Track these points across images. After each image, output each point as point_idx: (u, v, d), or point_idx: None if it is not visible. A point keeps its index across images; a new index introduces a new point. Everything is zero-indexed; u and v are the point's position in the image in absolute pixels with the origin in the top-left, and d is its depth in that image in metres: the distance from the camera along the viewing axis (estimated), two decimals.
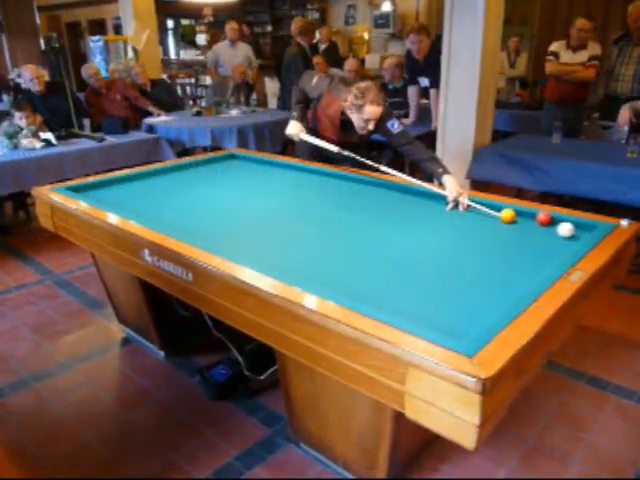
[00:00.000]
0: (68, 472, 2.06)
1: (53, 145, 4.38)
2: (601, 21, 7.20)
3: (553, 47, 4.83)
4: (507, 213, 2.20)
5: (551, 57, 4.81)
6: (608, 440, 2.17)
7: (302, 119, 3.22)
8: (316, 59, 6.27)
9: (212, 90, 6.56)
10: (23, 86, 5.44)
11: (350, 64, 5.84)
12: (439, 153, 4.18)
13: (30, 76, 4.93)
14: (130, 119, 5.33)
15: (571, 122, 4.76)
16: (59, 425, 2.31)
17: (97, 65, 6.75)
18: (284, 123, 5.46)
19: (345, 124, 3.01)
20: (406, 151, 2.87)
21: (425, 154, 2.78)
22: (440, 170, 2.61)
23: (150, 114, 5.64)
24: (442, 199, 2.46)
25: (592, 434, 2.20)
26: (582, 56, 4.68)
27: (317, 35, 7.12)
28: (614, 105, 4.50)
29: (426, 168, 2.75)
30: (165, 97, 6.24)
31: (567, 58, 4.75)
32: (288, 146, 5.72)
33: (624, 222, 2.04)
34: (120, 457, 2.12)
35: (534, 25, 8.12)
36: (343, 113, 2.96)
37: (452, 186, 2.44)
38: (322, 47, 7.23)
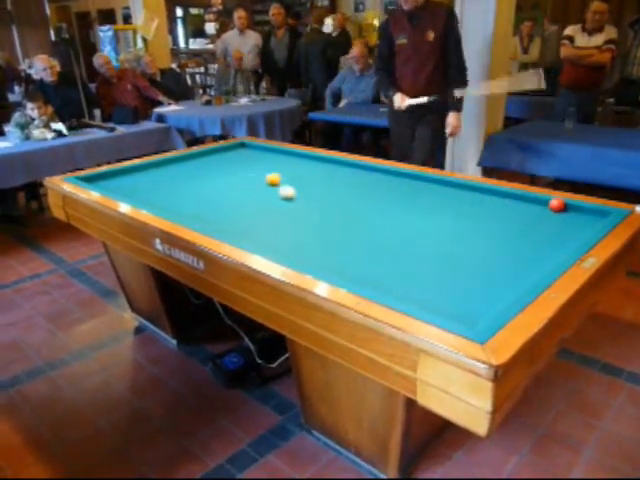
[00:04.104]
0: (81, 458, 2.09)
1: (64, 135, 4.40)
2: (617, 4, 7.07)
3: (568, 31, 4.76)
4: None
5: (566, 41, 4.74)
6: (621, 427, 2.16)
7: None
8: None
9: (217, 79, 6.55)
10: (35, 77, 5.47)
11: (355, 49, 5.68)
12: (450, 140, 4.15)
13: (43, 66, 4.96)
14: (140, 109, 5.34)
15: (585, 107, 4.70)
16: (73, 412, 2.34)
17: (107, 55, 6.76)
18: (294, 111, 5.52)
19: (413, 21, 3.38)
20: (448, 66, 3.40)
21: (455, 83, 3.35)
22: (451, 105, 3.40)
23: (160, 103, 5.65)
24: (453, 185, 2.45)
25: (605, 421, 2.19)
26: (597, 40, 4.60)
27: (330, 22, 7.06)
28: (630, 89, 4.43)
29: (449, 92, 3.37)
30: (174, 86, 6.24)
31: (582, 42, 4.67)
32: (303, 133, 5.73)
33: (638, 208, 2.02)
34: (134, 443, 2.15)
35: (547, 9, 8.00)
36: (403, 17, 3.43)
37: (449, 124, 3.46)
38: (334, 34, 7.17)
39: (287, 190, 2.37)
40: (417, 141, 3.65)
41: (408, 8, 3.37)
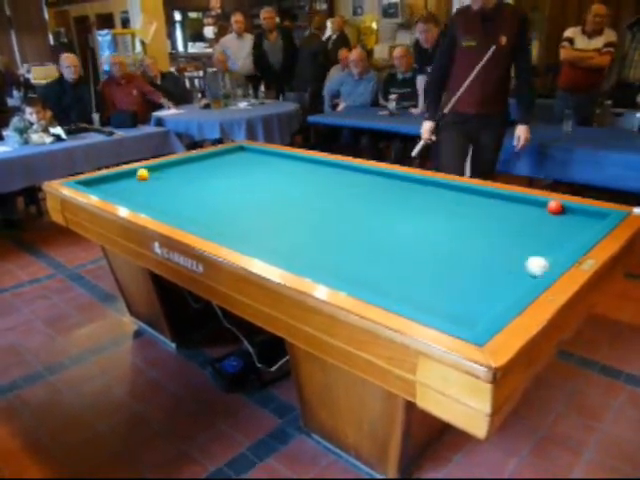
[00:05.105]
0: (80, 461, 2.08)
1: (63, 140, 4.40)
2: (614, 6, 7.08)
3: (568, 33, 4.76)
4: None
5: (566, 43, 4.74)
6: (621, 429, 2.16)
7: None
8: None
9: (207, 85, 6.56)
10: (33, 81, 5.50)
11: (354, 54, 5.65)
12: None
13: (68, 63, 5.09)
14: (141, 113, 5.36)
15: (584, 110, 4.70)
16: (72, 416, 2.34)
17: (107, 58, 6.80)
18: (292, 114, 5.53)
19: (483, 22, 3.19)
20: (517, 76, 3.32)
21: (525, 91, 3.35)
22: (520, 117, 3.35)
23: (160, 107, 5.66)
24: (449, 187, 2.47)
25: (605, 423, 2.19)
26: (597, 42, 4.60)
27: (329, 25, 7.07)
28: (627, 92, 4.43)
29: (517, 104, 3.39)
30: (173, 90, 6.25)
31: (582, 44, 4.67)
32: (295, 137, 5.72)
33: (636, 210, 2.02)
34: (133, 447, 2.14)
35: (545, 12, 8.01)
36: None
37: (518, 137, 3.35)
38: (332, 38, 7.18)
39: (538, 262, 1.64)
40: (482, 152, 3.49)
41: (477, 7, 3.19)
